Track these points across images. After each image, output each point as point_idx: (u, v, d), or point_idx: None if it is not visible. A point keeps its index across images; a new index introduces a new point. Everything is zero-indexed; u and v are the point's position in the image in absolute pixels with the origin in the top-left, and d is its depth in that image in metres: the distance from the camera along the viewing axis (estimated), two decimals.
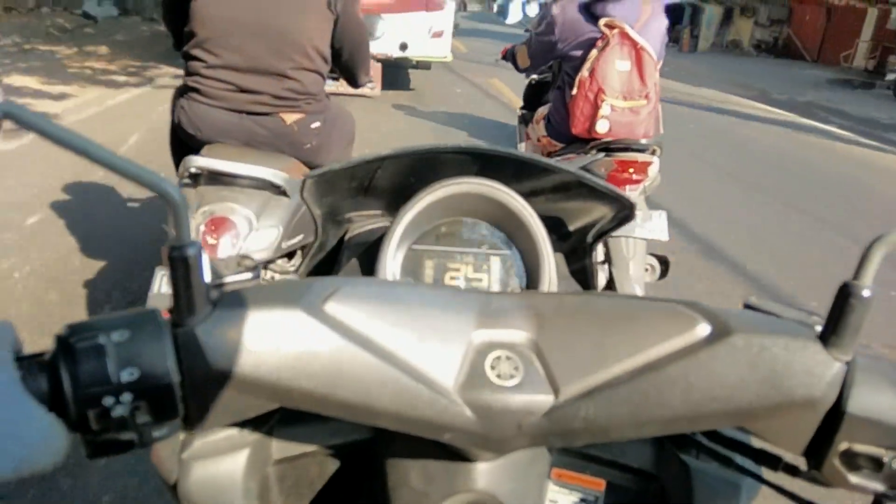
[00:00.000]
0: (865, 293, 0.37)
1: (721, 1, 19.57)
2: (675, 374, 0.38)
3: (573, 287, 0.80)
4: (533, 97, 3.11)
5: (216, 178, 1.67)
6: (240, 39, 1.80)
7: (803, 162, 6.42)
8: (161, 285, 1.60)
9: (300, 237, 1.77)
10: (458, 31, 9.11)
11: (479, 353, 0.39)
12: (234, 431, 0.45)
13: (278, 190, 1.70)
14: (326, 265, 0.86)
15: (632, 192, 2.33)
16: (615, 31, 2.30)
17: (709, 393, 0.37)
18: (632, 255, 2.28)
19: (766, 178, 5.61)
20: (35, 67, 7.15)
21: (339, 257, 0.81)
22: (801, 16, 18.44)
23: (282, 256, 1.78)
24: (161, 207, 3.07)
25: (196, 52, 1.84)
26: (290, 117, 1.92)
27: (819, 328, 0.39)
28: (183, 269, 0.34)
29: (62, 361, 0.33)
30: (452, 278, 0.71)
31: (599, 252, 2.29)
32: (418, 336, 0.38)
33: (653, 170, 2.32)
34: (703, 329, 0.39)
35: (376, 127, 5.69)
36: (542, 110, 2.69)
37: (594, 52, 2.32)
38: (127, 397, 0.33)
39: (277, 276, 1.73)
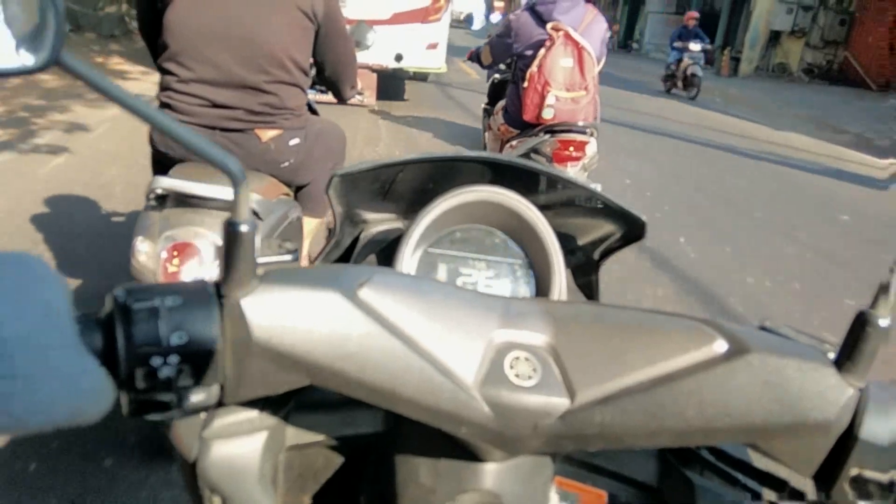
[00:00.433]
0: (882, 323, 0.37)
1: (837, 9, 15.98)
2: (690, 387, 0.38)
3: (582, 300, 0.82)
4: (494, 94, 3.59)
5: (184, 200, 1.58)
6: (212, 52, 1.72)
7: None
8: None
9: (275, 259, 1.83)
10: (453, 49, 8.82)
11: (499, 352, 0.40)
12: (253, 414, 0.45)
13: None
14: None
15: (573, 168, 2.78)
16: (560, 33, 2.75)
17: (723, 408, 0.38)
18: None
19: None
20: None
21: (353, 257, 0.82)
22: (863, 37, 15.16)
23: None
24: None
25: (169, 65, 1.76)
26: (267, 134, 1.82)
27: (832, 354, 0.40)
28: (236, 244, 0.35)
29: (118, 320, 0.34)
30: (464, 283, 0.73)
31: None
32: (443, 330, 0.39)
33: (590, 149, 2.77)
34: (721, 346, 0.39)
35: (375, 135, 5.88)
36: (501, 103, 3.17)
37: (542, 51, 2.78)
38: (174, 359, 0.34)
39: None
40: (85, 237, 3.15)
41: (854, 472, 0.38)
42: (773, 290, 3.40)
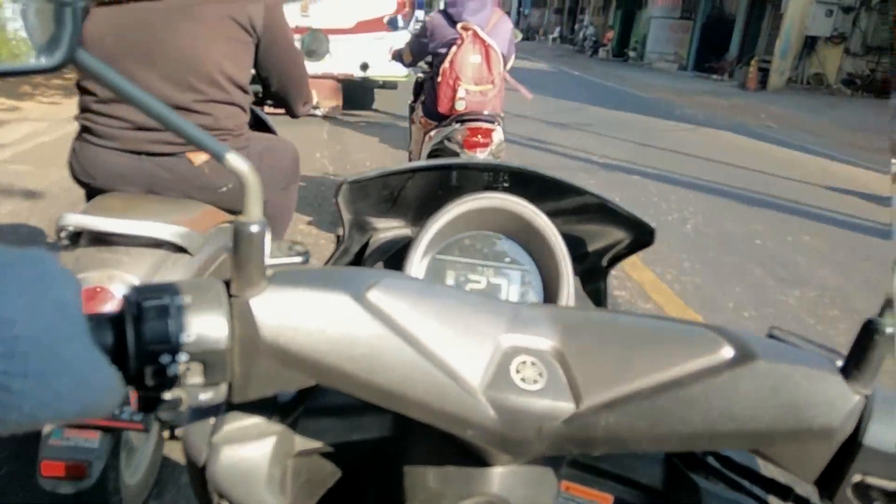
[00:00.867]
0: (889, 330, 0.37)
1: (882, 10, 14.26)
2: (696, 393, 0.38)
3: (589, 306, 0.81)
4: (418, 91, 3.91)
5: (100, 237, 1.44)
6: (134, 69, 1.55)
7: None
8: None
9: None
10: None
11: (506, 356, 0.40)
12: (261, 419, 0.45)
13: (176, 248, 1.48)
14: None
15: (482, 153, 3.07)
16: (469, 32, 3.06)
17: (728, 414, 0.38)
18: None
19: None
20: None
21: (362, 263, 0.82)
22: None
23: None
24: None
25: (86, 83, 1.62)
26: (199, 157, 1.67)
27: (840, 362, 0.40)
28: (246, 244, 0.36)
29: (128, 318, 0.35)
30: (472, 290, 0.73)
31: None
32: (451, 334, 0.39)
33: (496, 136, 3.07)
34: (728, 352, 0.39)
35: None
36: (422, 98, 3.47)
37: (454, 49, 3.08)
38: (183, 357, 0.35)
39: None
40: None
41: (857, 478, 0.39)
42: None
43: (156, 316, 0.35)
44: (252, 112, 2.05)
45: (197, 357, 0.36)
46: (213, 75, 1.62)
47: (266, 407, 0.44)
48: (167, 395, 0.37)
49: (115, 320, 0.35)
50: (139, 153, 1.63)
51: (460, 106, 3.09)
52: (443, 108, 3.15)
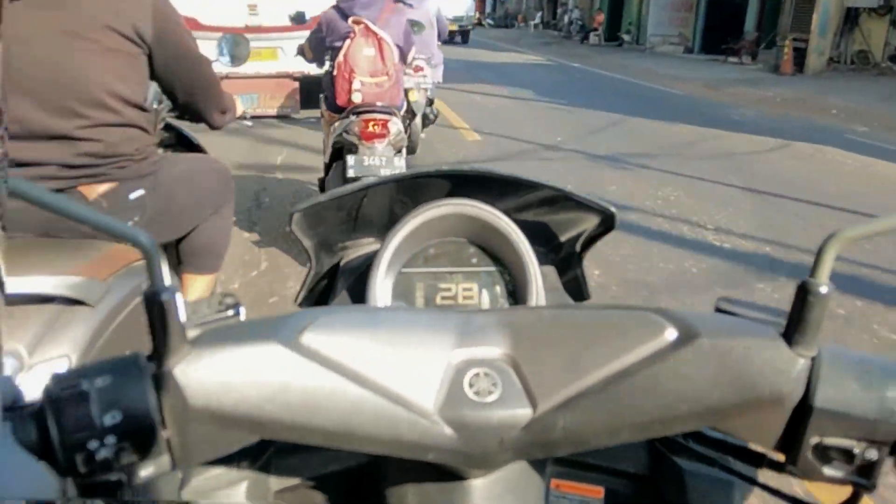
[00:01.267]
0: (823, 290, 0.38)
1: None
2: (646, 379, 0.39)
3: (564, 298, 0.82)
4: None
5: None
6: (7, 99, 1.37)
7: None
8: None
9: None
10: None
11: (458, 371, 0.40)
12: (229, 467, 0.45)
13: (71, 301, 1.26)
14: (326, 293, 0.86)
15: (380, 144, 3.15)
16: (360, 26, 3.13)
17: (679, 396, 0.39)
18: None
19: None
20: None
21: (335, 284, 0.81)
22: None
23: None
24: None
25: None
26: (95, 190, 1.50)
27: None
28: (159, 313, 0.35)
29: (49, 410, 0.35)
30: (444, 298, 0.73)
31: None
32: (397, 359, 0.39)
33: (393, 127, 3.15)
34: (671, 334, 0.40)
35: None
36: (324, 92, 3.56)
37: (347, 42, 3.15)
38: (111, 440, 0.35)
39: None
40: None
41: (814, 440, 0.39)
42: None
43: (76, 403, 0.35)
44: (175, 129, 1.92)
45: (126, 436, 0.35)
46: (99, 96, 1.44)
47: (230, 456, 0.42)
48: (105, 479, 0.36)
49: (36, 415, 0.35)
50: None
51: (357, 98, 3.17)
52: (340, 100, 3.22)
